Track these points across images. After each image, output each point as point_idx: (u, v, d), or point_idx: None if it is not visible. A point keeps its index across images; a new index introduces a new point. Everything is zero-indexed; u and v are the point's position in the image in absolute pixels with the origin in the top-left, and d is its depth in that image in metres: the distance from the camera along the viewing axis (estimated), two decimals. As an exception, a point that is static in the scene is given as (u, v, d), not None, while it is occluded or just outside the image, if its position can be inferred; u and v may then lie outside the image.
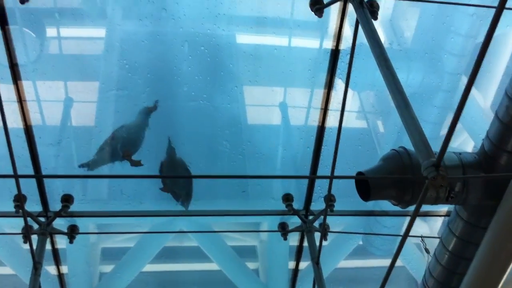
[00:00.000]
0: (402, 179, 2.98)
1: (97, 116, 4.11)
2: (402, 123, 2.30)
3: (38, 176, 4.06)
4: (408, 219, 2.43)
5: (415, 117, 2.28)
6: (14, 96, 3.79)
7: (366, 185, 3.19)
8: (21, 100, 3.76)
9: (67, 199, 4.25)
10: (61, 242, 4.64)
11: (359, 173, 3.23)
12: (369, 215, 4.49)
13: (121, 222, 4.77)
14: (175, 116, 4.06)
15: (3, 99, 2.81)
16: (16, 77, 3.63)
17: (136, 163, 4.24)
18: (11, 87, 3.71)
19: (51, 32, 4.06)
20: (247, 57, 3.90)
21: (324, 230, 3.83)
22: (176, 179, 4.41)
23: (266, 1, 3.63)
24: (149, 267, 5.08)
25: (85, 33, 4.04)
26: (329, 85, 3.55)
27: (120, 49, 3.82)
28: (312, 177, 3.90)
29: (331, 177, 3.20)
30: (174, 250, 5.12)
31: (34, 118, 3.94)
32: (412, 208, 2.47)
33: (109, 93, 3.97)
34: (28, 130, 3.90)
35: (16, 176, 3.42)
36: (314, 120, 3.85)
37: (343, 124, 3.28)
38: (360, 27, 2.71)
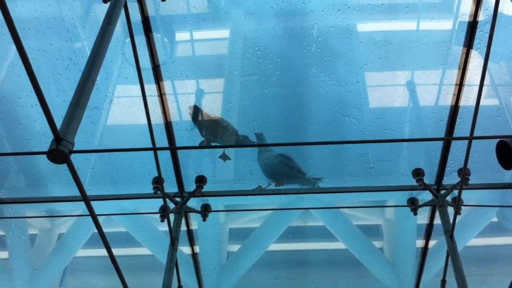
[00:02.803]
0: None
1: (230, 101, 4.34)
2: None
3: (173, 148, 4.37)
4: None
5: None
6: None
7: (508, 153, 3.10)
8: (161, 94, 4.15)
9: (201, 180, 4.55)
10: (193, 223, 4.94)
11: (501, 142, 3.15)
12: (506, 188, 4.32)
13: (248, 202, 4.98)
14: (304, 96, 4.18)
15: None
16: (158, 78, 4.11)
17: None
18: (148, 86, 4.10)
19: (180, 36, 4.36)
20: (376, 44, 3.93)
21: (459, 203, 3.77)
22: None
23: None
24: (275, 246, 5.24)
25: (216, 34, 4.32)
26: (466, 58, 3.49)
27: (252, 36, 4.01)
28: (449, 138, 3.83)
29: (470, 138, 3.12)
30: (300, 229, 5.24)
31: (171, 108, 4.28)
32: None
33: (239, 80, 4.18)
34: (166, 116, 4.24)
35: (155, 149, 3.72)
36: (445, 98, 3.80)
37: (473, 103, 3.20)
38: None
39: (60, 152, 2.13)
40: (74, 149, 2.21)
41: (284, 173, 4.54)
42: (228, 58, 4.34)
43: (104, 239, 2.92)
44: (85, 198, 2.58)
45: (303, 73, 4.06)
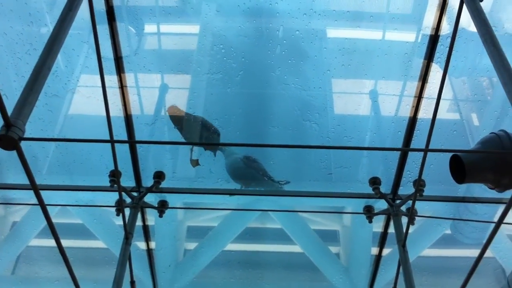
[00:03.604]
0: (501, 162, 2.92)
1: (191, 98, 4.28)
2: (509, 101, 2.24)
3: (132, 141, 4.28)
4: (502, 207, 2.38)
5: (523, 95, 2.23)
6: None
7: (461, 167, 3.14)
8: (122, 86, 4.05)
9: (159, 176, 4.48)
10: (150, 219, 4.87)
11: (455, 156, 3.19)
12: (460, 201, 4.39)
13: (207, 201, 4.93)
14: (267, 98, 4.16)
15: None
16: (120, 69, 3.97)
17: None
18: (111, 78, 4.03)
19: (148, 28, 4.29)
20: (340, 50, 3.94)
21: (412, 214, 3.80)
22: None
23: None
24: (232, 246, 5.22)
25: (182, 29, 4.26)
26: (426, 70, 3.52)
27: (217, 34, 3.97)
28: (406, 149, 3.87)
29: (426, 150, 3.16)
30: (257, 231, 5.24)
31: (132, 101, 4.20)
32: (508, 195, 2.40)
33: (203, 77, 4.13)
34: (126, 109, 4.15)
35: (112, 141, 3.63)
36: (406, 109, 3.84)
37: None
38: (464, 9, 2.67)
39: (9, 138, 2.07)
40: (29, 136, 2.15)
41: (249, 175, 4.53)
42: (194, 54, 4.29)
43: (52, 229, 2.82)
44: (34, 187, 2.50)
45: (266, 74, 4.04)
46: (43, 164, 4.77)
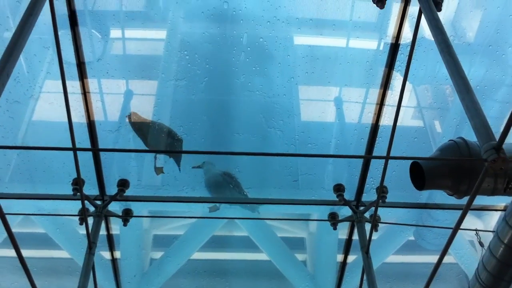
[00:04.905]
0: (459, 169, 2.97)
1: (156, 105, 4.25)
2: (463, 108, 2.28)
3: (95, 149, 4.19)
4: (463, 213, 2.41)
5: (476, 101, 2.27)
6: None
7: (421, 174, 3.18)
8: (85, 92, 3.97)
9: (123, 184, 4.41)
10: (115, 228, 4.80)
11: (415, 163, 3.23)
12: (422, 208, 4.44)
13: (173, 209, 4.89)
14: (231, 105, 4.16)
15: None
16: (82, 75, 3.87)
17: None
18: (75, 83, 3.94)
19: (114, 33, 4.25)
20: (304, 57, 3.96)
21: (375, 220, 3.83)
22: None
23: (325, 4, 3.70)
24: (198, 255, 5.18)
25: (148, 35, 4.23)
26: (387, 78, 3.57)
27: (181, 41, 3.96)
28: (368, 157, 3.90)
29: (387, 158, 3.19)
30: (224, 239, 5.21)
31: (96, 107, 4.13)
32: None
33: (168, 83, 4.10)
34: (89, 116, 4.08)
35: (74, 149, 3.55)
36: (369, 117, 3.88)
37: (398, 123, 3.27)
38: (423, 19, 2.72)
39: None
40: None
41: (227, 191, 4.54)
42: (160, 60, 4.27)
43: (12, 240, 2.74)
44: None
45: (231, 81, 4.04)
46: (5, 172, 4.65)
